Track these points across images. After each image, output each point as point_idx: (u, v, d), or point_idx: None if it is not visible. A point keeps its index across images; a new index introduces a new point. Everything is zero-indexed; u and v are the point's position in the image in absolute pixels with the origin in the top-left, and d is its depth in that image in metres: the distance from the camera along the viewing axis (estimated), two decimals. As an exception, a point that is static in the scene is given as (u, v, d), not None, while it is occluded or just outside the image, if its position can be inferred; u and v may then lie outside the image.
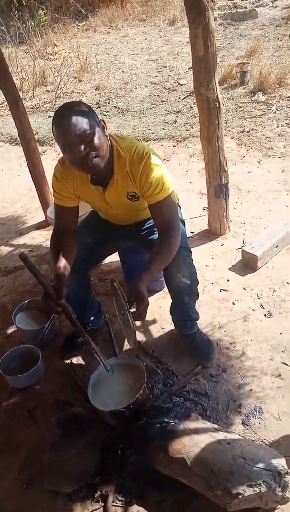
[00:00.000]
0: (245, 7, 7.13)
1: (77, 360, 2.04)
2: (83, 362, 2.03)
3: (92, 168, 1.44)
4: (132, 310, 1.37)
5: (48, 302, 1.37)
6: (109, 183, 1.57)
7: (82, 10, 8.35)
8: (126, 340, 2.07)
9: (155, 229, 1.67)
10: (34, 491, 1.55)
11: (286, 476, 1.28)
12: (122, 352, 2.03)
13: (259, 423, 1.66)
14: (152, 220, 1.71)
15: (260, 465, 1.28)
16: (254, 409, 1.70)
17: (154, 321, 2.19)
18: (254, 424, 1.65)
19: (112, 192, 1.60)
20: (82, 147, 1.37)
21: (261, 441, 1.58)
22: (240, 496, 1.21)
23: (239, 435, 1.51)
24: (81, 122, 1.37)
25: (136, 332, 2.03)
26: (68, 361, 2.03)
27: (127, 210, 1.73)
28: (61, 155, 1.51)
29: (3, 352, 2.04)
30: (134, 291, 1.36)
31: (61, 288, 1.40)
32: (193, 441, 1.38)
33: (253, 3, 7.26)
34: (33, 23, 7.59)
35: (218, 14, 6.98)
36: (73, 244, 1.63)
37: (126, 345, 2.07)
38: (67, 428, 1.56)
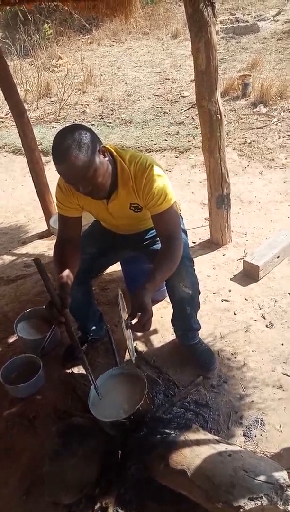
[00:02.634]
0: (247, 21, 7.26)
1: (78, 369, 2.04)
2: (84, 372, 2.02)
3: (96, 197, 1.54)
4: (134, 321, 1.37)
5: (52, 311, 1.37)
6: (112, 195, 1.59)
7: (86, 24, 8.51)
8: (127, 350, 2.07)
9: (158, 239, 1.69)
10: (34, 501, 1.54)
11: (288, 489, 1.26)
12: (123, 362, 2.02)
13: (261, 435, 1.64)
14: (154, 230, 1.72)
15: (262, 478, 1.27)
16: (255, 420, 1.69)
17: (155, 331, 2.19)
18: (255, 436, 1.64)
19: (116, 204, 1.62)
20: (84, 186, 1.43)
21: (263, 453, 1.57)
22: (241, 509, 1.20)
23: (240, 447, 1.49)
24: (82, 163, 1.34)
25: (134, 343, 2.03)
26: (69, 371, 2.03)
27: (130, 221, 1.74)
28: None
29: (4, 361, 2.04)
30: (137, 302, 1.35)
31: (65, 297, 1.41)
32: (194, 453, 1.37)
33: (255, 17, 7.40)
34: (38, 36, 7.75)
35: (220, 28, 7.11)
36: (76, 253, 1.65)
37: (128, 355, 2.07)
38: (67, 438, 1.55)
